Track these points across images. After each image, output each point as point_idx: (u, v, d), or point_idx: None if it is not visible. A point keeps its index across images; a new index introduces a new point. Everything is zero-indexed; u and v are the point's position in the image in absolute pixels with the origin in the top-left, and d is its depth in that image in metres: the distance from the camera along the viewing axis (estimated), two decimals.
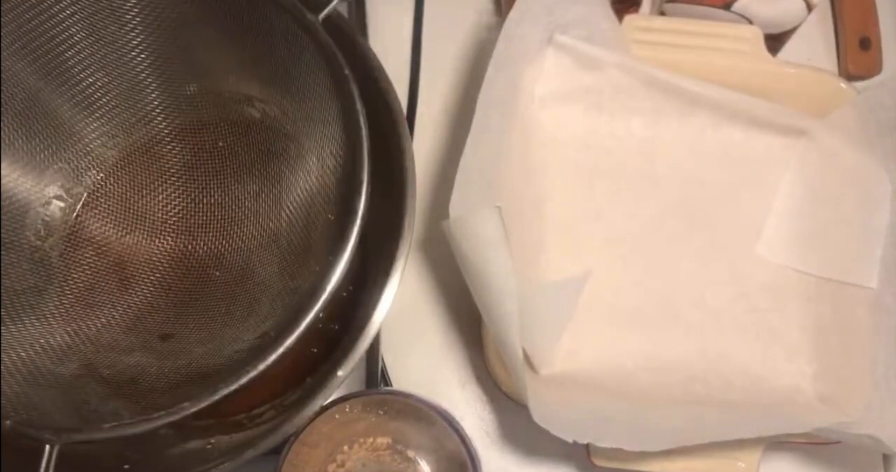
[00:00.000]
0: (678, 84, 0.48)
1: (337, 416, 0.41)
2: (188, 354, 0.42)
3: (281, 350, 0.36)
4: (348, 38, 0.43)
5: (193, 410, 0.35)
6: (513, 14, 0.44)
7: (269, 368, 0.36)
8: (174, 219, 0.47)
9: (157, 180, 0.47)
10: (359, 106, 0.39)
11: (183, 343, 0.43)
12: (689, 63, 0.48)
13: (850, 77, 0.54)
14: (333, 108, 0.41)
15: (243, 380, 0.36)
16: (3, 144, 0.41)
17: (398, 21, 0.56)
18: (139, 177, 0.47)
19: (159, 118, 0.46)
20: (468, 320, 0.50)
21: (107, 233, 0.46)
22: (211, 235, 0.47)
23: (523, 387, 0.38)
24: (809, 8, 0.48)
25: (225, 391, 0.35)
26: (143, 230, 0.47)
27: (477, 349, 0.48)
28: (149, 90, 0.45)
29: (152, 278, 0.46)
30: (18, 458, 0.37)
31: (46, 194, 0.46)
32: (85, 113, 0.44)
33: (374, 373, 0.48)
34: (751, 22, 0.49)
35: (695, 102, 0.49)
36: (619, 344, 0.47)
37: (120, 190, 0.46)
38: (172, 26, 0.43)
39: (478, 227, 0.38)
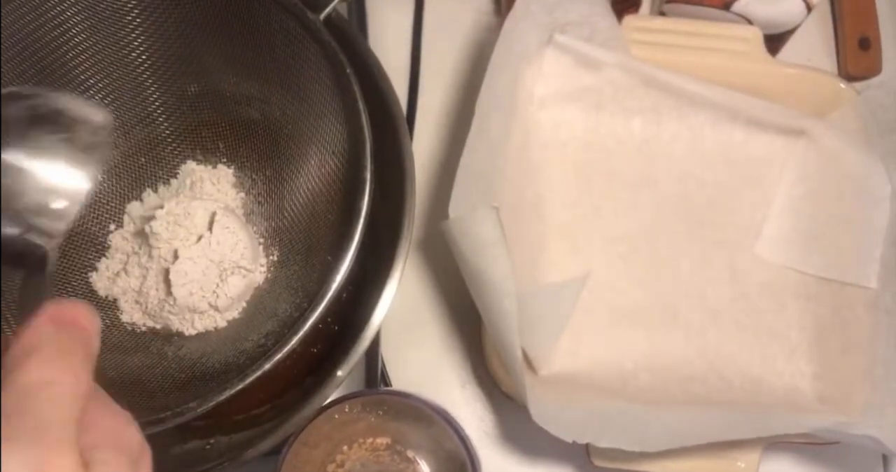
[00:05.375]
0: (678, 84, 0.48)
1: (336, 416, 0.41)
2: (193, 354, 0.43)
3: (287, 349, 0.36)
4: (348, 38, 0.43)
5: (201, 410, 0.36)
6: (513, 14, 0.44)
7: (273, 367, 0.36)
8: None
9: (159, 182, 0.47)
10: (361, 106, 0.39)
11: (187, 343, 0.44)
12: (689, 63, 0.48)
13: (849, 77, 0.54)
14: (335, 107, 0.41)
15: (249, 379, 0.36)
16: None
17: (398, 21, 0.56)
18: (140, 178, 0.47)
19: (160, 119, 0.46)
20: (468, 320, 0.50)
21: (107, 234, 0.46)
22: None
23: (523, 387, 0.38)
24: (809, 8, 0.48)
25: (231, 391, 0.36)
26: None
27: (477, 349, 0.48)
28: (150, 91, 0.45)
29: None
30: None
31: None
32: None
33: (374, 373, 0.48)
34: (750, 22, 0.49)
35: (695, 102, 0.49)
36: (618, 344, 0.47)
37: (120, 191, 0.46)
38: (173, 27, 0.43)
39: (476, 227, 0.38)
